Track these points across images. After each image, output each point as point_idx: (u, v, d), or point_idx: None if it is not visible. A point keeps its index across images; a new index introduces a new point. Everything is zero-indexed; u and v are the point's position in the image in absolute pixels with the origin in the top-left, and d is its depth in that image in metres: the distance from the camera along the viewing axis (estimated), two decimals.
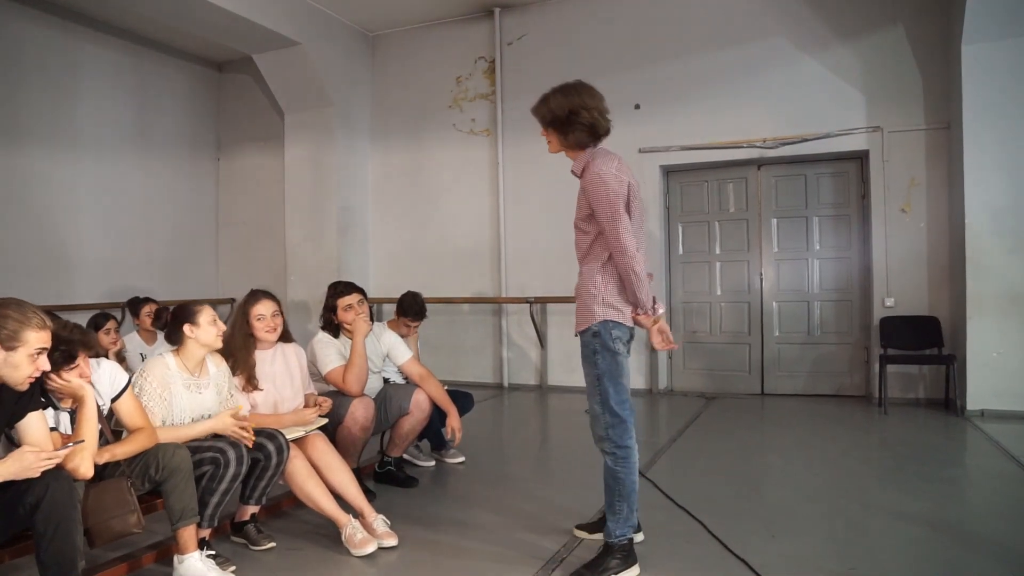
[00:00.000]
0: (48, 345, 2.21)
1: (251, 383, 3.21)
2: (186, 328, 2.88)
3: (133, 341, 5.08)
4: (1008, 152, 5.40)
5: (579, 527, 3.09)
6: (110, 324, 4.75)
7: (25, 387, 2.22)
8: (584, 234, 2.71)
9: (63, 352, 2.39)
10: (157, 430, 2.70)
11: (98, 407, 2.54)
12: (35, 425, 2.30)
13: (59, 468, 2.21)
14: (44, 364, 2.22)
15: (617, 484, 2.64)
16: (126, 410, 2.66)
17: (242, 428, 2.81)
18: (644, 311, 2.68)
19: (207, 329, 2.89)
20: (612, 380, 2.63)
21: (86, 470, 2.31)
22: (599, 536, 2.84)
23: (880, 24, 6.10)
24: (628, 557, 2.64)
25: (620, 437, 2.64)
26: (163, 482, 2.54)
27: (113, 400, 2.65)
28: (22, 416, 2.28)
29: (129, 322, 5.72)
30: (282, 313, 3.38)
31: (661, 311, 2.76)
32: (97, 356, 2.66)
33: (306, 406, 3.33)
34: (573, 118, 2.63)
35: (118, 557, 2.85)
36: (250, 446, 2.82)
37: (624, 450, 2.64)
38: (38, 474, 2.13)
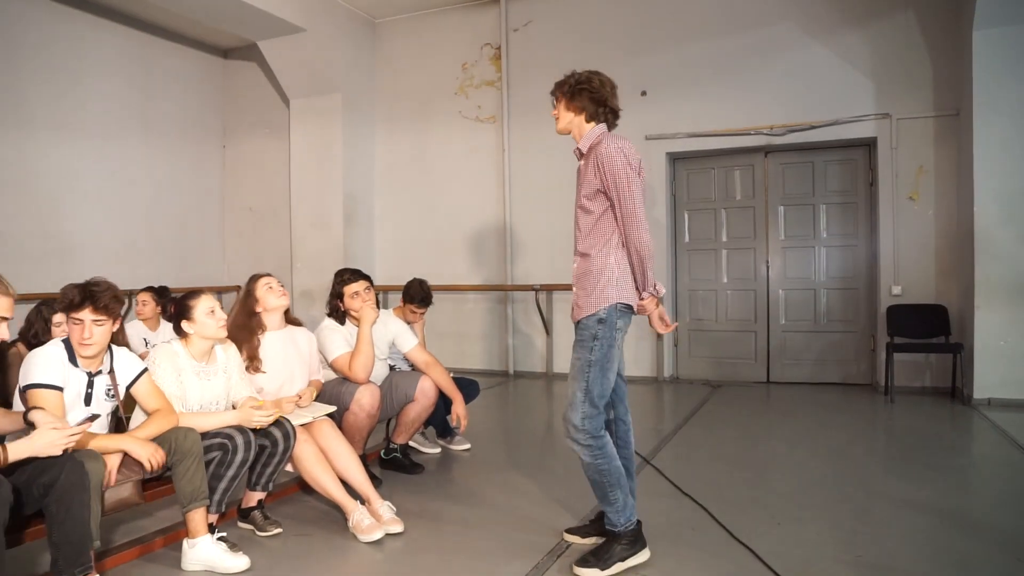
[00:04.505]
0: (10, 315, 2.19)
1: (253, 364, 3.23)
2: (184, 324, 2.90)
3: (135, 327, 5.10)
4: (1018, 139, 5.35)
5: (569, 531, 2.95)
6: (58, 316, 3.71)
7: None
8: (588, 213, 2.66)
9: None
10: (179, 416, 2.73)
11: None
12: (52, 403, 2.32)
13: (73, 451, 2.23)
14: (3, 334, 2.21)
15: (602, 476, 2.59)
16: (144, 393, 2.70)
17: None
18: (651, 292, 2.64)
19: (204, 322, 2.89)
20: (602, 371, 2.58)
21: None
22: (592, 540, 2.79)
23: (889, 9, 6.04)
24: (636, 542, 2.63)
25: (596, 428, 2.58)
26: (174, 465, 2.56)
27: (128, 387, 2.69)
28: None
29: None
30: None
31: (663, 291, 2.72)
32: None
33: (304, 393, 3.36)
34: (584, 85, 2.68)
35: (129, 541, 2.88)
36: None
37: (599, 440, 2.58)
38: (60, 451, 2.14)
